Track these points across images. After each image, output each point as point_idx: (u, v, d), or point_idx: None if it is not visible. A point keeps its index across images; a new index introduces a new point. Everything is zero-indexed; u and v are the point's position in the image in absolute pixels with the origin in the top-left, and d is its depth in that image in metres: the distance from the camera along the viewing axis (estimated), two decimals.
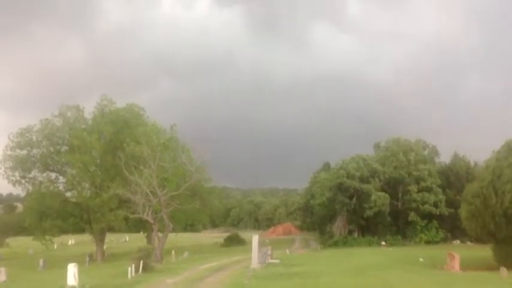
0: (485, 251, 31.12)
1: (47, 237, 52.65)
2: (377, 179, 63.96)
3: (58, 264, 41.93)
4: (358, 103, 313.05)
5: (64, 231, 57.74)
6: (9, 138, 50.54)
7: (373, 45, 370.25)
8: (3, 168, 50.65)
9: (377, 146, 72.76)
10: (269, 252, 38.19)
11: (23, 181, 52.10)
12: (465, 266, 27.31)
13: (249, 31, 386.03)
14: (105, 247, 59.94)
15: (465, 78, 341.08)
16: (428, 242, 60.09)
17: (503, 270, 23.55)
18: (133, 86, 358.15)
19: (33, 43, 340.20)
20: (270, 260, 35.84)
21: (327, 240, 66.18)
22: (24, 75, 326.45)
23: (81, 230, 57.26)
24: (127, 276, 26.23)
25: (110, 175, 50.75)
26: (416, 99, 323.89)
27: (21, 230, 64.53)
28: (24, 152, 51.17)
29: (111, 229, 56.57)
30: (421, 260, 34.45)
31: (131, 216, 47.06)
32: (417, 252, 42.66)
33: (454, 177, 62.78)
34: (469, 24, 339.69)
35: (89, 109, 54.43)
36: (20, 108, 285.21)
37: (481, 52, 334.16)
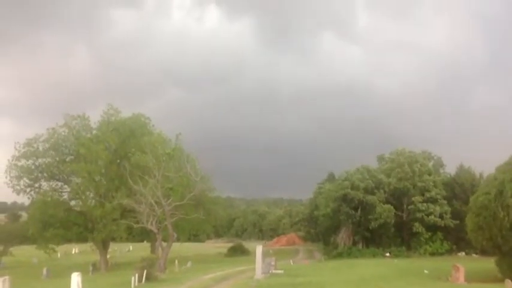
0: (490, 263, 30.94)
1: (50, 246, 52.76)
2: (382, 191, 63.82)
3: (62, 273, 41.93)
4: (365, 114, 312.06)
5: (67, 240, 57.74)
6: (15, 148, 50.86)
7: (381, 56, 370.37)
8: (8, 178, 50.92)
9: (381, 158, 72.64)
10: (273, 262, 38.07)
11: (28, 190, 52.34)
12: (470, 278, 27.16)
13: (257, 41, 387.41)
14: (108, 256, 59.97)
15: (473, 89, 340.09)
16: (433, 254, 59.72)
17: (508, 283, 23.42)
18: (141, 95, 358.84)
19: (40, 51, 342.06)
20: (274, 271, 35.75)
21: (331, 251, 65.88)
22: (31, 84, 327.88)
23: (85, 239, 57.19)
24: (130, 286, 26.24)
25: (114, 184, 50.93)
26: (424, 110, 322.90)
27: (25, 239, 64.46)
28: (30, 161, 51.42)
29: (115, 238, 56.56)
30: (425, 271, 34.27)
31: (135, 226, 47.14)
32: (422, 264, 42.46)
33: (459, 189, 62.53)
34: (476, 34, 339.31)
35: (96, 118, 54.79)
36: (26, 117, 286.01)
37: (489, 62, 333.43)
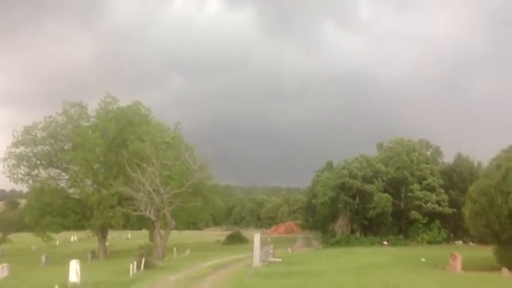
0: (487, 252, 31.10)
1: (48, 233, 52.83)
2: (380, 179, 63.96)
3: (60, 261, 41.99)
4: (366, 103, 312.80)
5: (66, 228, 57.83)
6: (13, 135, 50.70)
7: (383, 46, 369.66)
8: (6, 166, 50.83)
9: (380, 146, 72.69)
10: (271, 250, 38.24)
11: (26, 178, 52.28)
12: (467, 266, 27.27)
13: (260, 31, 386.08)
14: (107, 244, 60.11)
15: (475, 79, 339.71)
16: (430, 242, 60.01)
17: (505, 271, 23.54)
18: (144, 83, 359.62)
19: (42, 39, 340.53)
20: (272, 259, 35.90)
21: (329, 240, 66.16)
22: (32, 72, 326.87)
23: (83, 227, 57.30)
24: (129, 273, 26.30)
25: (112, 172, 50.91)
26: (426, 100, 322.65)
27: (23, 226, 64.45)
28: (28, 149, 51.32)
29: (113, 226, 56.64)
30: (423, 260, 34.44)
31: (133, 213, 47.19)
32: (419, 252, 42.66)
33: (457, 178, 62.68)
34: (478, 24, 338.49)
35: (95, 106, 54.56)
36: (29, 105, 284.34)
37: (491, 52, 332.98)
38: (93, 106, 54.45)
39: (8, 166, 50.61)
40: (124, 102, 55.26)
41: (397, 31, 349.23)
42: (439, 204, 60.76)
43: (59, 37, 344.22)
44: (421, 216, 61.49)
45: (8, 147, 50.66)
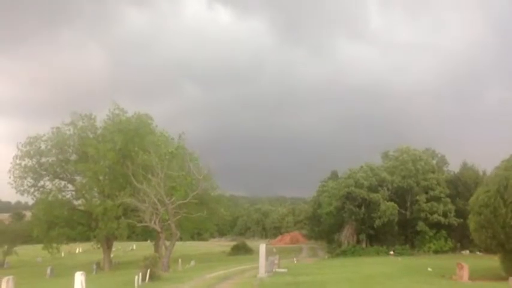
0: (494, 261, 30.85)
1: (54, 245, 52.87)
2: (385, 188, 63.79)
3: (65, 273, 42.03)
4: (377, 113, 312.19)
5: (72, 239, 57.91)
6: (17, 147, 50.89)
7: (395, 56, 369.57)
8: (12, 178, 50.98)
9: (385, 155, 72.55)
10: (276, 261, 38.02)
11: (32, 190, 52.40)
12: (474, 276, 27.06)
13: (272, 40, 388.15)
14: (112, 255, 60.06)
15: (486, 89, 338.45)
16: (436, 252, 59.69)
17: None
18: (155, 93, 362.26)
19: (53, 49, 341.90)
20: (277, 269, 35.70)
21: (335, 250, 65.87)
22: (43, 81, 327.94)
23: (89, 239, 57.40)
24: (134, 285, 26.21)
25: (118, 184, 50.97)
26: (436, 109, 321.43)
27: (29, 238, 64.66)
28: (34, 161, 51.47)
29: (119, 237, 56.65)
30: (429, 269, 34.18)
31: (138, 224, 47.16)
32: (426, 262, 42.38)
33: (463, 187, 62.39)
34: (489, 35, 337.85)
35: (104, 117, 54.81)
36: (38, 115, 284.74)
37: (502, 63, 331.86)
38: (103, 116, 54.74)
39: (14, 177, 50.83)
40: (135, 111, 55.56)
41: (408, 41, 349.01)
42: (445, 216, 60.54)
43: (70, 46, 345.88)
44: (427, 228, 61.28)
45: (13, 158, 50.92)
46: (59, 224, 51.33)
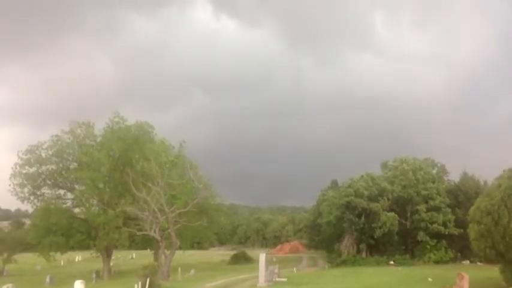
0: (494, 272, 30.77)
1: (51, 253, 52.78)
2: (385, 198, 63.68)
3: (65, 281, 41.94)
4: (384, 124, 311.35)
5: (71, 247, 57.80)
6: (18, 155, 50.99)
7: (402, 67, 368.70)
8: (12, 185, 51.05)
9: (384, 165, 72.51)
10: (276, 270, 37.99)
11: (32, 198, 52.43)
12: (474, 286, 27.00)
13: (280, 49, 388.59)
14: (111, 264, 59.91)
15: (495, 101, 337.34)
16: (437, 262, 59.44)
17: None
18: (163, 101, 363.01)
19: (62, 57, 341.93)
20: (277, 279, 35.65)
21: (335, 259, 65.64)
22: (49, 89, 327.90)
23: (88, 247, 57.31)
24: None
25: (118, 192, 50.96)
26: (443, 121, 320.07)
27: (28, 246, 64.51)
28: (34, 169, 51.55)
29: (118, 246, 56.56)
30: (429, 279, 34.10)
31: (138, 233, 47.12)
32: (426, 272, 42.24)
33: (463, 197, 62.24)
34: (499, 46, 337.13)
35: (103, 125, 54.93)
36: (44, 123, 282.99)
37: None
38: (95, 125, 54.91)
39: (14, 185, 50.91)
40: (136, 120, 55.70)
41: (417, 51, 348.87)
42: (446, 226, 60.46)
43: (79, 54, 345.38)
44: (428, 238, 61.14)
45: (14, 166, 50.99)
46: (56, 232, 51.26)
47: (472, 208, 29.17)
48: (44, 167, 52.17)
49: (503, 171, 29.01)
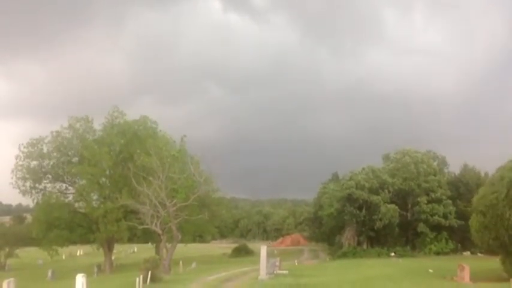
0: (495, 263, 30.82)
1: (54, 247, 52.91)
2: (386, 191, 63.71)
3: (67, 275, 42.00)
4: (395, 121, 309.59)
5: (72, 242, 57.92)
6: (19, 149, 51.01)
7: (416, 62, 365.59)
8: (14, 178, 51.10)
9: (386, 157, 72.47)
10: (277, 263, 38.03)
11: (33, 191, 52.49)
12: (475, 277, 27.06)
13: (297, 42, 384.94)
14: (113, 258, 60.04)
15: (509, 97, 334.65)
16: (438, 253, 59.62)
17: None
18: (175, 95, 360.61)
19: (74, 51, 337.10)
20: (279, 271, 35.70)
21: (336, 251, 65.85)
22: (59, 83, 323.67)
23: (90, 241, 57.41)
24: (135, 287, 26.24)
25: (118, 186, 50.98)
26: (458, 118, 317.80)
27: (30, 240, 64.66)
28: (35, 162, 51.60)
29: (120, 240, 56.67)
30: (430, 271, 34.18)
31: (139, 227, 47.17)
32: (427, 264, 42.36)
33: (464, 188, 62.39)
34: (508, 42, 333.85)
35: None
36: (53, 117, 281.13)
37: None
38: (94, 120, 54.88)
39: (16, 179, 50.96)
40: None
41: (429, 46, 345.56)
42: (446, 218, 60.56)
43: (90, 48, 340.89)
44: (428, 230, 61.29)
45: (16, 160, 51.04)
46: (58, 226, 51.38)
47: (476, 197, 29.06)
48: (45, 161, 52.23)
49: (508, 162, 28.71)
